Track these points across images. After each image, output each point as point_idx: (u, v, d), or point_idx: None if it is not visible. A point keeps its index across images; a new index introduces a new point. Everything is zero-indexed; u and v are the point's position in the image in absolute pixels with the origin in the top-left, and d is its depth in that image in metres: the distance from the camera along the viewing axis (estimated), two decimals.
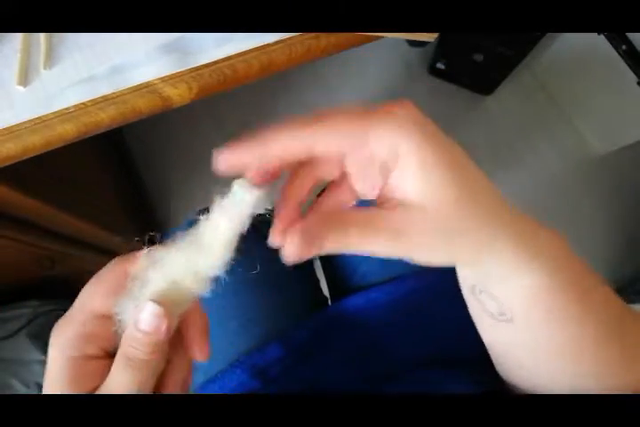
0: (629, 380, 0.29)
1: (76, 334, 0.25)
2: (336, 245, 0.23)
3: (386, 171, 0.24)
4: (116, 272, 0.26)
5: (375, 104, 0.24)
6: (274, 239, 0.24)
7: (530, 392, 0.32)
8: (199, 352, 0.27)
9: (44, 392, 0.25)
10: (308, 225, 0.23)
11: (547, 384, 0.31)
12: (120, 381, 0.24)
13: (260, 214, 0.26)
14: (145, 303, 0.25)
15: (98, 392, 0.24)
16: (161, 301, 0.25)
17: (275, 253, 0.27)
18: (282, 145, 0.23)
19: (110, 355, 0.25)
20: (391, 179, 0.24)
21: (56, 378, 0.25)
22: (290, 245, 0.23)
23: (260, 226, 0.33)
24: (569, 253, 0.28)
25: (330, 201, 0.27)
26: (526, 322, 0.28)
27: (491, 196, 0.25)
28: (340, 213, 0.24)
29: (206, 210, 0.26)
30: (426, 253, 0.24)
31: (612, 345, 0.28)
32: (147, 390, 0.25)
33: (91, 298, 0.26)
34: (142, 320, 0.24)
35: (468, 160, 0.25)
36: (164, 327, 0.25)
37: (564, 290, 0.27)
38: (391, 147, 0.23)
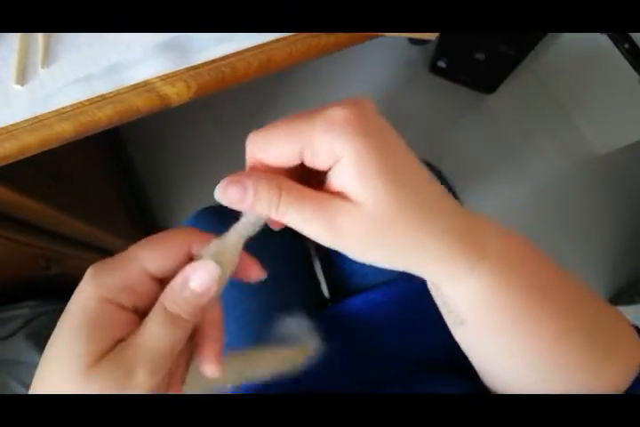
0: (601, 381, 0.28)
1: (118, 282, 0.24)
2: (261, 200, 0.24)
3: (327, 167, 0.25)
4: (180, 240, 0.25)
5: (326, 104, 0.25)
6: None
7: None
8: (210, 367, 0.26)
9: (53, 335, 0.23)
10: (247, 173, 0.25)
11: (516, 390, 0.30)
12: (157, 334, 0.23)
13: None
14: (204, 262, 0.24)
15: (128, 342, 0.23)
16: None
17: (275, 254, 0.27)
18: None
19: (138, 313, 0.24)
20: (332, 173, 0.24)
21: (81, 318, 0.23)
22: (219, 188, 0.24)
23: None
24: (519, 251, 0.27)
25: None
26: (478, 325, 0.27)
27: (430, 198, 0.25)
28: (282, 177, 0.25)
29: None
30: (358, 247, 0.25)
31: (578, 349, 0.28)
32: (175, 352, 0.24)
33: (145, 256, 0.24)
34: (197, 279, 0.24)
35: (408, 158, 0.25)
36: (213, 291, 0.24)
37: (515, 292, 0.26)
38: (328, 149, 0.23)
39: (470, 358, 0.32)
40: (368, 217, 0.23)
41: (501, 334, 0.27)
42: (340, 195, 0.24)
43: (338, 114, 0.23)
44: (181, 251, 0.25)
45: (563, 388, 0.29)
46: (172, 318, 0.23)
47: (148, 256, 0.24)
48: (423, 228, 0.24)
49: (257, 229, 0.26)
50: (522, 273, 0.27)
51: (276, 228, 0.27)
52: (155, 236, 0.25)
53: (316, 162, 0.24)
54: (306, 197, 0.24)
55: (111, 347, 0.23)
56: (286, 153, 0.24)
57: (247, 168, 0.26)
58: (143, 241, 0.25)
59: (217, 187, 0.24)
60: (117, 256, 0.25)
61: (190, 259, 0.25)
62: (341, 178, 0.24)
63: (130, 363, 0.22)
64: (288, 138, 0.24)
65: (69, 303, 0.24)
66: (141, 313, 0.24)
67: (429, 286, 0.30)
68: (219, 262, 0.25)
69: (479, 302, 0.26)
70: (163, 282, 0.25)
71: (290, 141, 0.24)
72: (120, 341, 0.23)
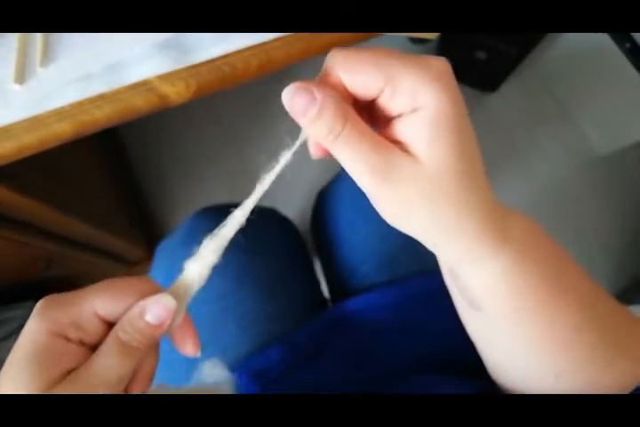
0: (610, 378, 0.28)
1: (66, 318, 0.24)
2: (322, 122, 0.22)
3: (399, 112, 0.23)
4: (134, 290, 0.25)
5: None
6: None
7: (514, 393, 0.31)
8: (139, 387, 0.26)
9: (6, 363, 0.23)
10: (320, 84, 0.23)
11: (526, 384, 0.30)
12: (109, 362, 0.23)
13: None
14: (161, 295, 0.25)
15: (79, 371, 0.23)
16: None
17: (274, 254, 0.27)
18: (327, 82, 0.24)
19: (86, 347, 0.25)
20: (401, 121, 0.23)
21: (30, 349, 0.23)
22: (288, 90, 0.23)
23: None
24: (542, 240, 0.27)
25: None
26: (496, 312, 0.27)
27: (481, 175, 0.24)
28: (351, 106, 0.23)
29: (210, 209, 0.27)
30: (400, 206, 0.24)
31: (591, 344, 0.27)
32: (125, 382, 0.24)
33: (97, 297, 0.25)
34: (152, 311, 0.24)
35: (473, 131, 0.25)
36: (167, 323, 0.24)
37: (532, 276, 0.26)
38: (412, 94, 0.22)
39: (481, 351, 0.32)
40: (426, 177, 0.23)
41: (518, 322, 0.27)
42: (399, 145, 0.23)
43: (438, 63, 0.23)
44: (133, 300, 0.25)
45: (571, 385, 0.28)
46: (125, 348, 0.24)
47: (100, 300, 0.24)
48: (469, 202, 0.24)
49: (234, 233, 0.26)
50: (543, 261, 0.26)
51: (316, 157, 0.26)
52: (111, 281, 0.26)
53: (392, 103, 0.23)
54: (366, 136, 0.23)
55: (62, 376, 0.23)
56: (367, 84, 0.23)
57: (317, 79, 0.24)
58: (98, 284, 0.25)
59: (286, 88, 0.23)
60: (70, 294, 0.25)
61: None
62: (413, 128, 0.23)
63: (81, 391, 0.22)
64: (377, 70, 0.22)
65: (20, 335, 0.24)
66: (89, 347, 0.25)
67: (444, 271, 0.29)
68: (179, 291, 0.25)
69: (500, 287, 0.26)
70: (111, 325, 0.25)
71: (377, 74, 0.22)
72: (71, 371, 0.23)
